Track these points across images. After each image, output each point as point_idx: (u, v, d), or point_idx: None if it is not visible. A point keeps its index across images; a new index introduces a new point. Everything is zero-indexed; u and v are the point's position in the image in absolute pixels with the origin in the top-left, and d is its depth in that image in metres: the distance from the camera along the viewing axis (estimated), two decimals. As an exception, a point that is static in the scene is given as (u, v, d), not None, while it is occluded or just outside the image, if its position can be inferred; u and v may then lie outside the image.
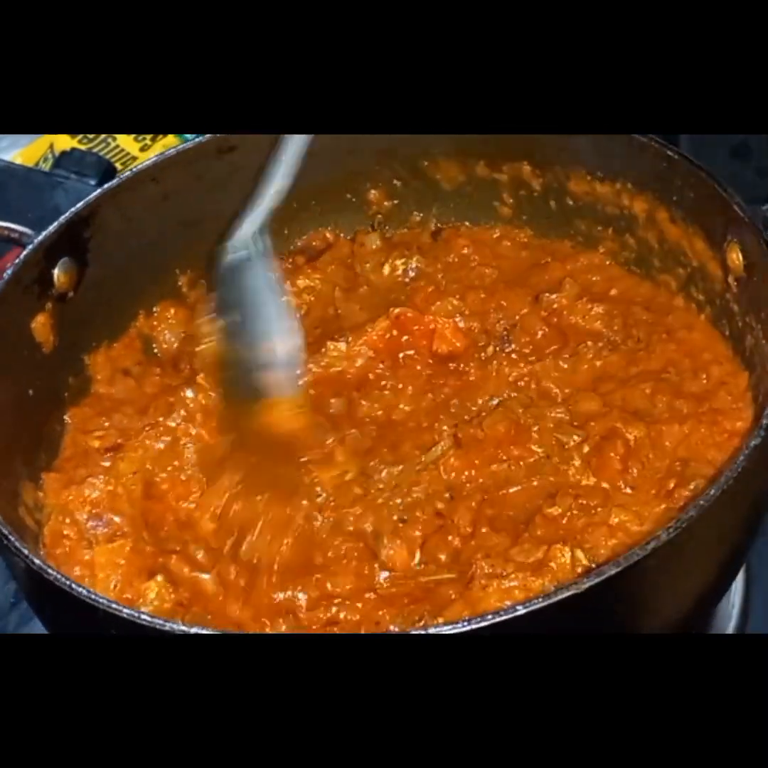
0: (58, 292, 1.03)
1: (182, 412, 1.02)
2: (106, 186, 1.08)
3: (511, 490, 0.95)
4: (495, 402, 1.01)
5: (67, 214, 1.04)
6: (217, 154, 1.12)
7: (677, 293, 1.07)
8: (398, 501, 0.95)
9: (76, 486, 0.98)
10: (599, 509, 0.92)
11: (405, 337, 1.08)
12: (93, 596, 0.78)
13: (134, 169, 1.09)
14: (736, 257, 0.96)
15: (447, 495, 0.95)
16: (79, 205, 1.05)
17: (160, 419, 1.02)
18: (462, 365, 1.06)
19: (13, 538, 0.83)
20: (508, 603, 0.85)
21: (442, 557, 0.92)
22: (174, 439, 1.01)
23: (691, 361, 1.01)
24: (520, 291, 1.10)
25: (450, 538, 0.93)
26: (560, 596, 0.73)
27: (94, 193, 1.06)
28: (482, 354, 1.06)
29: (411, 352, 1.07)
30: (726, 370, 0.98)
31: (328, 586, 0.91)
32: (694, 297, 1.05)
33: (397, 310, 1.08)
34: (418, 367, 1.06)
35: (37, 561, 0.81)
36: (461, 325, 1.07)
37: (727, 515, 0.81)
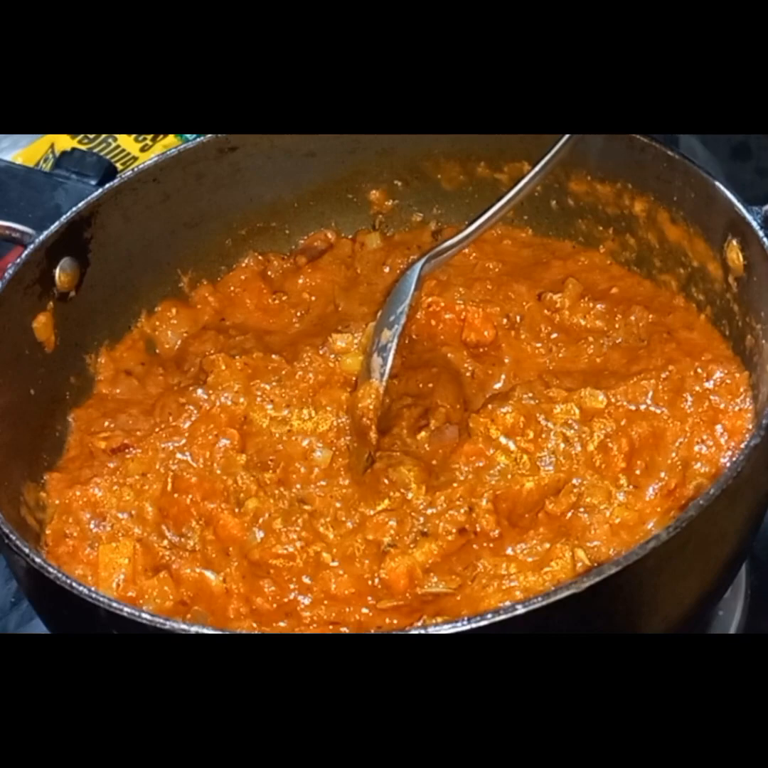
0: (59, 291, 1.03)
1: (196, 413, 1.02)
2: (107, 186, 1.08)
3: (517, 487, 0.95)
4: (506, 391, 1.02)
5: (68, 213, 1.04)
6: (217, 154, 1.12)
7: (678, 293, 1.07)
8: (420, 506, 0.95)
9: (81, 486, 0.98)
10: (601, 507, 0.92)
11: (440, 325, 1.09)
12: (93, 595, 0.78)
13: (135, 169, 1.09)
14: (736, 257, 0.97)
15: (461, 502, 0.95)
16: (80, 205, 1.05)
17: (170, 420, 1.02)
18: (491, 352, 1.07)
19: (13, 537, 0.83)
20: (508, 603, 0.85)
21: (460, 568, 0.91)
22: (191, 438, 1.00)
23: (691, 360, 1.01)
24: (525, 284, 1.10)
25: (475, 546, 0.92)
26: (560, 596, 0.73)
27: (95, 193, 1.07)
28: (508, 340, 1.07)
29: (442, 339, 1.08)
30: (726, 370, 0.98)
31: (332, 586, 0.92)
32: (695, 297, 1.05)
33: (429, 299, 1.09)
34: (450, 355, 1.07)
35: (37, 559, 0.81)
36: (487, 310, 1.08)
37: (727, 515, 0.81)
